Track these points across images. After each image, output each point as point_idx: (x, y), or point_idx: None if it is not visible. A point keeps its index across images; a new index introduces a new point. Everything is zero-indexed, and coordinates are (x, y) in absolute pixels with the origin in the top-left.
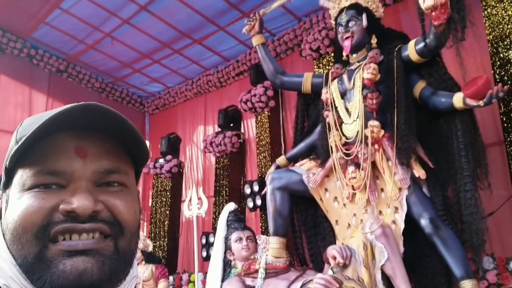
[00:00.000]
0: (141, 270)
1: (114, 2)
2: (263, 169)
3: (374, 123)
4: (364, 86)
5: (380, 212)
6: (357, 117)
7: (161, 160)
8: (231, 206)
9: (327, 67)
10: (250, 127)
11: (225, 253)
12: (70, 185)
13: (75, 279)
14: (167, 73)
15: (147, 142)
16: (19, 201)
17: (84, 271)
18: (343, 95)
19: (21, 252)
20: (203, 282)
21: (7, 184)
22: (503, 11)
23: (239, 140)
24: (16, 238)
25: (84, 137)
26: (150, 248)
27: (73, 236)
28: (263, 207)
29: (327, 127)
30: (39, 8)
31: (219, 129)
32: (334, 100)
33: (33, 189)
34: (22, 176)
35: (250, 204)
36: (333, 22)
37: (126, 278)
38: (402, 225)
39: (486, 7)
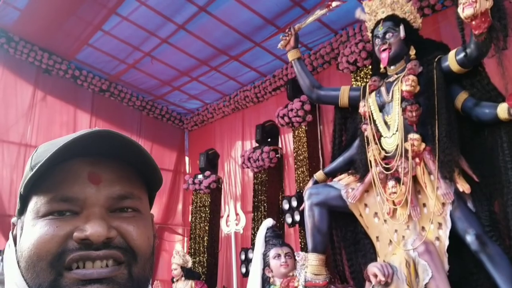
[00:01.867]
0: (181, 286)
1: (153, 22)
2: (301, 184)
3: (414, 136)
4: (403, 99)
5: (423, 228)
6: (397, 130)
7: (200, 176)
8: (269, 222)
9: (364, 80)
10: (287, 142)
11: (263, 269)
12: (83, 211)
13: None
14: (205, 90)
15: (187, 159)
16: (34, 229)
17: None
18: (381, 108)
19: (35, 280)
20: None
21: (21, 211)
22: None
23: (277, 155)
24: (31, 266)
25: (97, 163)
26: (190, 264)
27: (87, 263)
28: (302, 223)
29: (365, 141)
30: (82, 30)
31: (257, 145)
32: (372, 113)
33: (47, 216)
34: (36, 203)
35: (288, 219)
36: (370, 35)
37: None
38: (446, 242)
39: None
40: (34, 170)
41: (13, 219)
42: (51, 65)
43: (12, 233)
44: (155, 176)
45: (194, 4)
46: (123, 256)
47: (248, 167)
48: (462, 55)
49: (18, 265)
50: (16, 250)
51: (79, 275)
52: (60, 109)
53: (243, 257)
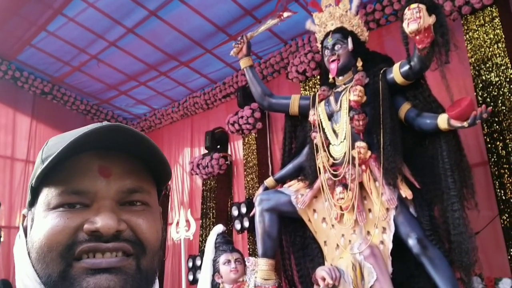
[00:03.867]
0: None
1: (101, 25)
2: (250, 191)
3: (361, 144)
4: (350, 108)
5: (368, 232)
6: (344, 139)
7: None
8: (219, 228)
9: (313, 89)
10: (237, 149)
11: (213, 276)
12: (94, 204)
13: None
14: (153, 95)
15: None
16: (45, 220)
17: None
18: (330, 116)
19: (46, 270)
20: None
21: (32, 202)
22: (485, 35)
23: (226, 162)
24: (41, 257)
25: (107, 157)
26: None
27: (97, 255)
28: (251, 229)
29: (314, 148)
30: (25, 31)
31: (206, 151)
32: (321, 122)
33: (58, 208)
34: (47, 195)
35: (237, 226)
36: (319, 46)
37: None
38: (390, 246)
39: (468, 31)
40: (46, 163)
41: (24, 211)
42: None
43: (23, 224)
44: (164, 170)
45: (144, 8)
46: (132, 248)
47: (197, 174)
48: (406, 67)
49: (29, 256)
50: (26, 241)
51: (88, 264)
52: None
53: (190, 264)
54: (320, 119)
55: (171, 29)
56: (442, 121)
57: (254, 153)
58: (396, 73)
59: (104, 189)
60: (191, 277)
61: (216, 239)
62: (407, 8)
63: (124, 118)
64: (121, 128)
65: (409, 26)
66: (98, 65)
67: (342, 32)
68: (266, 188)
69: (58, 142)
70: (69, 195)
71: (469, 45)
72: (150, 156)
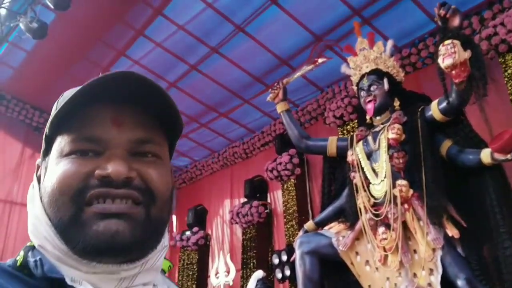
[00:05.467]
0: None
1: None
2: (290, 238)
3: (402, 182)
4: (389, 146)
5: (415, 274)
6: (385, 177)
7: (188, 233)
8: (259, 273)
9: (351, 133)
10: (276, 197)
11: None
12: (105, 152)
13: (107, 240)
14: (194, 147)
15: (174, 216)
16: (57, 167)
17: (116, 232)
18: (368, 156)
19: (57, 214)
20: None
21: (46, 152)
22: None
23: (266, 210)
24: (53, 201)
25: (120, 107)
26: None
27: (107, 201)
28: (292, 278)
29: (354, 188)
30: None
31: (246, 200)
32: (360, 161)
33: (70, 155)
34: (60, 142)
35: (278, 275)
36: (355, 88)
37: (157, 247)
38: None
39: (507, 68)
40: (58, 108)
41: (38, 161)
42: (42, 123)
43: (36, 174)
44: (176, 122)
45: (185, 62)
46: (142, 197)
47: (236, 223)
48: (444, 104)
49: (41, 201)
50: (40, 188)
51: (99, 209)
52: None
53: None
54: (359, 159)
55: (211, 82)
56: (485, 155)
57: (294, 200)
58: (434, 110)
59: (116, 137)
60: None
61: (256, 285)
62: (441, 45)
63: None
64: (134, 75)
65: (444, 61)
66: None
67: (378, 73)
68: (306, 232)
69: (72, 91)
70: (81, 142)
71: (509, 81)
72: (162, 107)
